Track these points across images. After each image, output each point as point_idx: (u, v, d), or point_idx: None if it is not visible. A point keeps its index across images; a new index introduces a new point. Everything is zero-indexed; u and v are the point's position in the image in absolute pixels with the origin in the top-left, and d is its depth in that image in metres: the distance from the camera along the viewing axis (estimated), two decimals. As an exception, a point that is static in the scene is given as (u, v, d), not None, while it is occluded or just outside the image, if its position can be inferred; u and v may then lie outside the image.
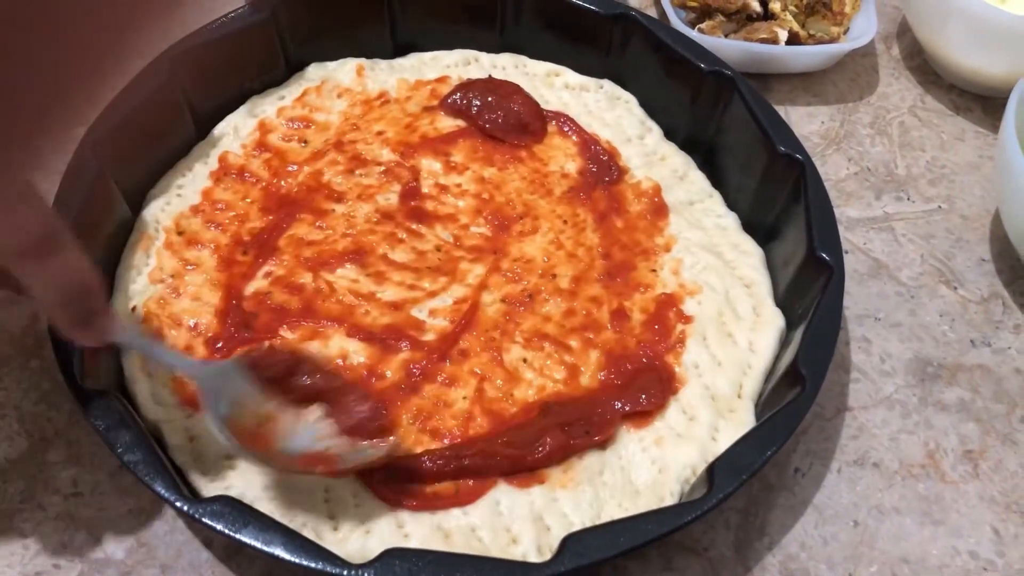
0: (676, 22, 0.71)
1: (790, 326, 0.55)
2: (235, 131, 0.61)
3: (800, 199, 0.57)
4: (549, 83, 0.67)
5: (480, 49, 0.68)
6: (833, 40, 0.74)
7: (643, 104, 0.67)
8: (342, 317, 0.53)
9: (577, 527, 0.45)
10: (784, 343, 0.54)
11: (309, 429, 0.46)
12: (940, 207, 0.68)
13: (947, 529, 0.52)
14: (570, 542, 0.43)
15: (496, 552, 0.45)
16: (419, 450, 0.48)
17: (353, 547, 0.44)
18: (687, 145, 0.65)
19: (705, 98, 0.63)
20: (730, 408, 0.51)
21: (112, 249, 0.55)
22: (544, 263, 0.57)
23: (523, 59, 0.68)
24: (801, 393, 0.48)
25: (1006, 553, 0.51)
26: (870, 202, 0.68)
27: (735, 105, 0.61)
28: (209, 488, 0.46)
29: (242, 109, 0.63)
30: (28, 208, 0.37)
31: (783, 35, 0.72)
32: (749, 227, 0.61)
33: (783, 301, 0.56)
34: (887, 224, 0.67)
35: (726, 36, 0.73)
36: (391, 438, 0.47)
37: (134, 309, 0.52)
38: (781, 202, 0.59)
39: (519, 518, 0.46)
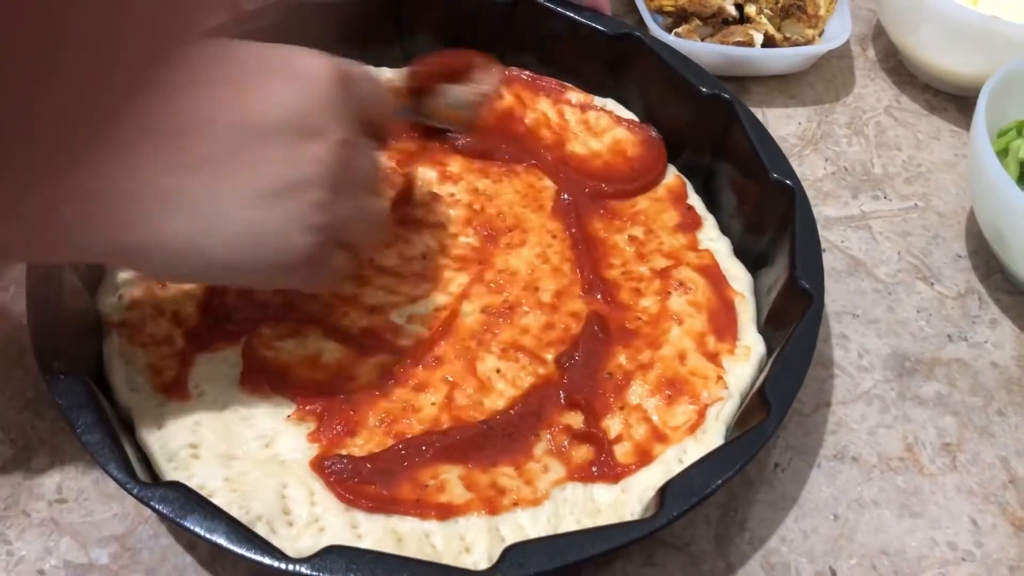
0: (653, 27, 0.72)
1: (770, 352, 0.55)
2: None
3: (788, 227, 0.56)
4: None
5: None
6: (808, 42, 0.75)
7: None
8: (321, 317, 0.53)
9: None
10: (762, 368, 0.54)
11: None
12: (916, 205, 0.69)
13: (926, 521, 0.53)
14: (511, 552, 0.42)
15: (448, 559, 0.45)
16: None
17: (305, 543, 0.44)
18: (686, 168, 0.65)
19: (703, 120, 0.63)
20: (703, 430, 0.51)
21: None
22: (528, 276, 0.57)
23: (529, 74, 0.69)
24: (764, 420, 0.48)
25: (984, 543, 0.52)
26: (847, 201, 0.69)
27: (733, 129, 0.61)
28: (172, 476, 0.46)
29: None
30: None
31: (759, 38, 0.73)
32: (741, 252, 0.61)
33: (765, 327, 0.56)
34: (864, 222, 0.68)
35: (702, 40, 0.74)
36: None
37: (120, 297, 0.53)
38: (771, 229, 0.59)
39: (474, 527, 0.46)
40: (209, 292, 0.54)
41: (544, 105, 0.67)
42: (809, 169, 0.70)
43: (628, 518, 0.47)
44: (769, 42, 0.74)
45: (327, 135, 0.44)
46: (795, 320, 0.52)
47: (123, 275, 0.54)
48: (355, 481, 0.47)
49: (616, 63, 0.67)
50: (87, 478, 0.51)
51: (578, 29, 0.66)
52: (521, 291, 0.56)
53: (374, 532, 0.45)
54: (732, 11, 0.74)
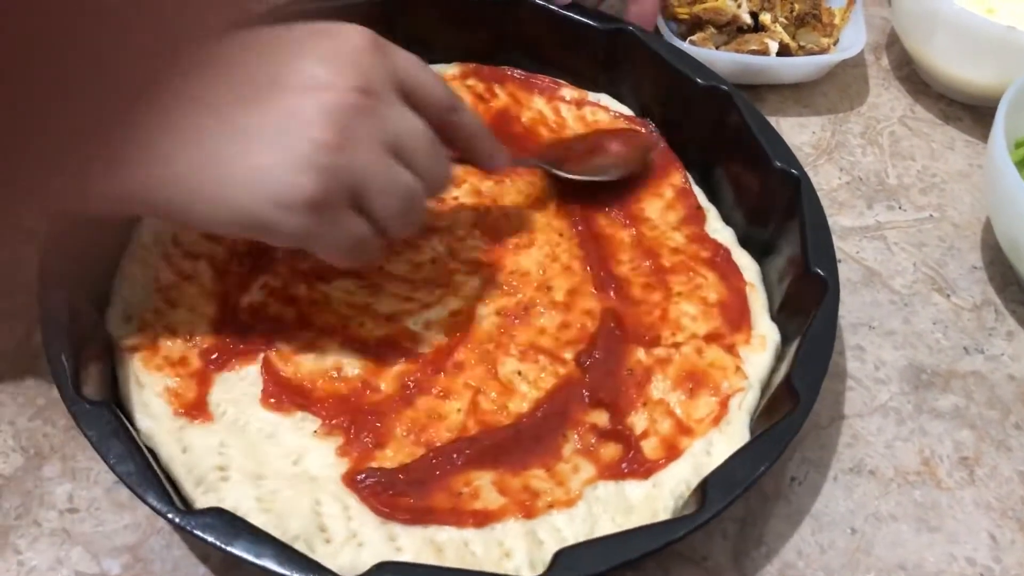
0: (668, 34, 0.72)
1: (785, 340, 0.55)
2: None
3: (795, 214, 0.57)
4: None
5: (479, 60, 0.69)
6: (823, 51, 0.75)
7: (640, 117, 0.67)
8: (337, 328, 0.53)
9: (570, 541, 0.45)
10: (780, 357, 0.55)
11: None
12: (931, 215, 0.68)
13: (943, 535, 0.52)
14: (562, 556, 0.43)
15: (489, 566, 0.45)
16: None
17: (344, 560, 0.44)
18: (685, 162, 0.65)
19: (701, 112, 0.63)
20: (727, 421, 0.51)
21: (109, 262, 0.55)
22: (540, 276, 0.57)
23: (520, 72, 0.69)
24: (794, 408, 0.48)
25: (1002, 559, 0.52)
26: (862, 211, 0.68)
27: (732, 119, 0.62)
28: (202, 500, 0.46)
29: None
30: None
31: (773, 46, 0.73)
32: (745, 242, 0.61)
33: (778, 315, 0.57)
34: (879, 233, 0.67)
35: (717, 48, 0.74)
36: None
37: (130, 319, 0.52)
38: (777, 217, 0.59)
39: (512, 532, 0.46)
40: (222, 310, 0.53)
41: (539, 103, 0.66)
42: (824, 179, 0.70)
43: (661, 513, 0.47)
44: (784, 51, 0.74)
45: (344, 84, 0.44)
46: (811, 307, 0.52)
47: (131, 297, 0.53)
48: (390, 494, 0.46)
49: (609, 56, 0.67)
50: (99, 487, 0.50)
51: (570, 25, 0.66)
52: (534, 291, 0.56)
53: (413, 544, 0.45)
54: (747, 19, 0.74)
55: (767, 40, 0.73)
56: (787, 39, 0.74)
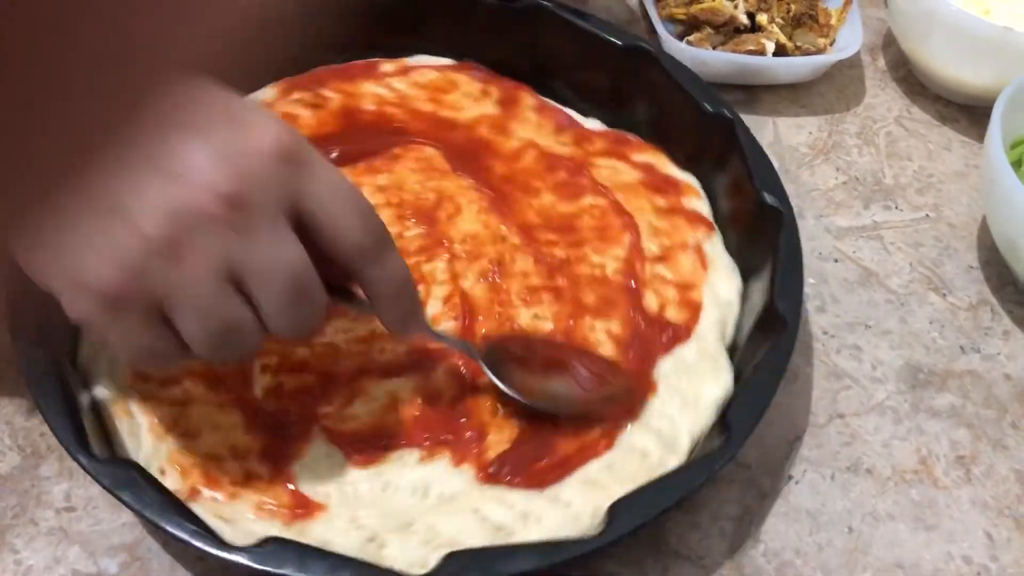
0: (664, 35, 0.72)
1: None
2: None
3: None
4: None
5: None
6: (819, 51, 0.75)
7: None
8: (363, 366, 0.51)
9: (679, 421, 0.51)
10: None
11: None
12: (928, 216, 0.69)
13: (940, 534, 0.52)
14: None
15: (644, 474, 0.48)
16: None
17: (540, 534, 0.46)
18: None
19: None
20: (711, 265, 0.58)
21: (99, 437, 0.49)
22: (487, 231, 0.57)
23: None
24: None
25: (999, 557, 0.52)
26: (859, 211, 0.69)
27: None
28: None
29: None
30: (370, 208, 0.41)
31: (770, 47, 0.73)
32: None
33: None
34: (876, 233, 0.67)
35: (714, 48, 0.74)
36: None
37: (163, 472, 0.47)
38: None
39: (638, 436, 0.50)
40: (245, 411, 0.49)
41: (369, 87, 0.65)
42: (820, 179, 0.70)
43: (720, 359, 0.54)
44: (780, 51, 0.74)
45: (212, 187, 0.37)
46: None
47: (143, 455, 0.48)
48: (528, 468, 0.48)
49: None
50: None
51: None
52: (493, 246, 0.56)
53: (577, 493, 0.47)
54: (744, 20, 0.74)
55: (764, 40, 0.73)
56: (783, 39, 0.74)
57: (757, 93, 0.75)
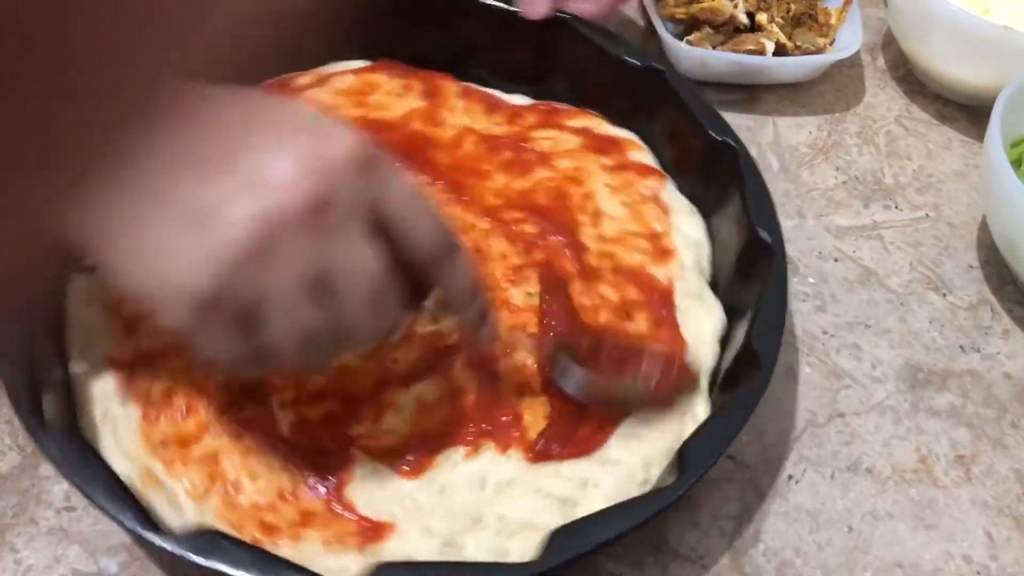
0: (664, 34, 0.72)
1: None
2: None
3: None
4: None
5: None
6: (819, 51, 0.75)
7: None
8: (382, 380, 0.50)
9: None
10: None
11: None
12: (928, 215, 0.69)
13: (940, 534, 0.52)
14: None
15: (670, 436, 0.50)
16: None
17: (603, 501, 0.47)
18: None
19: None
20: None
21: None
22: (454, 223, 0.53)
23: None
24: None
25: (999, 557, 0.52)
26: (859, 211, 0.69)
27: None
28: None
29: None
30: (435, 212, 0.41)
31: (770, 46, 0.73)
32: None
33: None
34: (876, 232, 0.67)
35: (713, 48, 0.74)
36: None
37: (199, 499, 0.46)
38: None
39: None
40: (283, 453, 0.47)
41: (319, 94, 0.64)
42: (820, 178, 0.70)
43: (709, 341, 0.55)
44: (780, 50, 0.74)
45: (296, 193, 0.37)
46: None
47: (187, 516, 0.45)
48: (574, 439, 0.49)
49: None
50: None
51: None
52: (465, 235, 0.55)
53: (623, 450, 0.49)
54: (743, 19, 0.74)
55: (763, 40, 0.73)
56: (783, 39, 0.74)
57: (757, 93, 0.75)
